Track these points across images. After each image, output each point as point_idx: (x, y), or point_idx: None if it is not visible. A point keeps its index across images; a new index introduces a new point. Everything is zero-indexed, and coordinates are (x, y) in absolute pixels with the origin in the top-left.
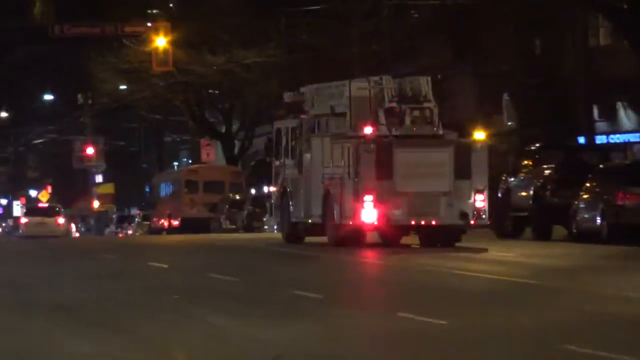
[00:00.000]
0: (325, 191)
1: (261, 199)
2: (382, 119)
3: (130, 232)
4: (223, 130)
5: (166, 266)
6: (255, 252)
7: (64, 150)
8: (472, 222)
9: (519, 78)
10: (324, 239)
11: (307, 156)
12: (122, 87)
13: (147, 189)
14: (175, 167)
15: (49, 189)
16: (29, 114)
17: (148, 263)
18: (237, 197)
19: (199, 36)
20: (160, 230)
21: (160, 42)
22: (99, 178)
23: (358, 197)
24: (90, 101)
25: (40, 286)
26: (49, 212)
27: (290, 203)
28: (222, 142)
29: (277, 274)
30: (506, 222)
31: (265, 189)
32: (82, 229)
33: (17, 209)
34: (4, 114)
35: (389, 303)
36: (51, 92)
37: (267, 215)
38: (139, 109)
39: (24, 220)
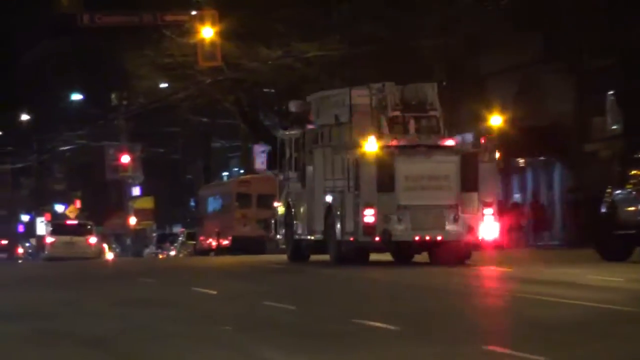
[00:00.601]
0: (327, 206)
1: None
2: (385, 128)
3: (172, 253)
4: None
5: (214, 292)
6: (315, 276)
7: (95, 158)
8: (479, 237)
9: (626, 74)
10: (327, 257)
11: (310, 169)
12: (163, 85)
13: (192, 204)
14: (225, 177)
15: (78, 203)
16: (54, 116)
17: (193, 288)
18: None
19: (250, 26)
20: (207, 251)
21: (207, 32)
22: (135, 191)
23: (358, 212)
24: (125, 102)
25: (69, 315)
26: (79, 230)
27: (294, 219)
28: None
29: (338, 300)
30: (611, 241)
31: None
32: (117, 250)
33: (42, 226)
34: (26, 117)
35: (472, 335)
36: (80, 91)
37: (271, 232)
38: (182, 110)
39: (49, 239)
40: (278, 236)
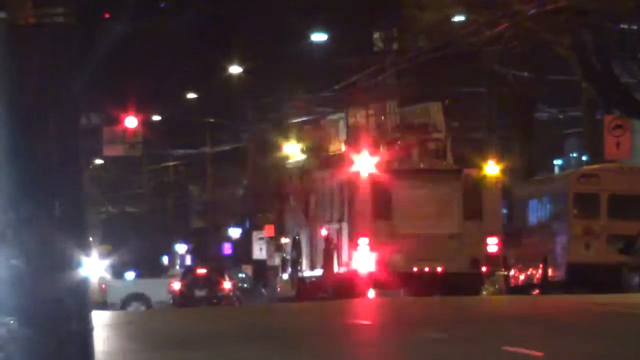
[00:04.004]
0: (326, 237)
1: None
2: (384, 151)
3: None
4: None
5: (539, 355)
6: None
7: None
8: (483, 269)
9: None
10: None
11: (313, 198)
12: (457, 18)
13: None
14: (556, 169)
15: None
16: (285, 66)
17: (503, 348)
18: None
19: None
20: (527, 287)
21: None
22: None
23: (352, 241)
24: (396, 45)
25: None
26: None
27: (299, 256)
28: None
29: None
30: None
31: None
32: None
33: (259, 245)
34: (237, 69)
35: None
36: (323, 29)
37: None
38: (488, 59)
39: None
40: (285, 275)
